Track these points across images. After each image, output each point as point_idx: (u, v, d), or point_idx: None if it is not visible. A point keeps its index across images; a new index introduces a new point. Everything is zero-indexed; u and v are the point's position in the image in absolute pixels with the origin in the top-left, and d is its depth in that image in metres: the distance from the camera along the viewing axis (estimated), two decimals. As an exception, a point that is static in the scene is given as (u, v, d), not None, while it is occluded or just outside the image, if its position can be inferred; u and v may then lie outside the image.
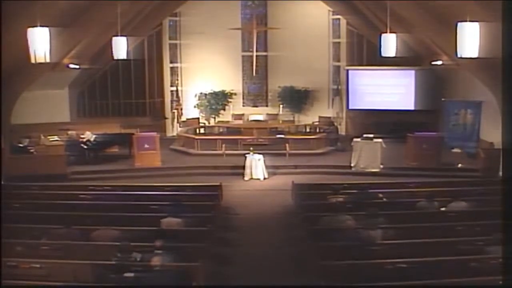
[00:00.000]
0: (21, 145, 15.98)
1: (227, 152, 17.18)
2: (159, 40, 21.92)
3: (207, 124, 21.88)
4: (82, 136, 17.09)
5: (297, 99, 21.73)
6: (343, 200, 10.67)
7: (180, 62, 22.44)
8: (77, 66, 17.92)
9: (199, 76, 22.15)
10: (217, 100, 21.86)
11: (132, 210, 10.47)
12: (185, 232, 9.17)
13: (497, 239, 7.51)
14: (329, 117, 21.16)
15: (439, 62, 17.39)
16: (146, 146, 16.41)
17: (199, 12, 21.56)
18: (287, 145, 17.31)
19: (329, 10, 21.54)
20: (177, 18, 22.08)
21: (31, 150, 15.93)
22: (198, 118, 22.02)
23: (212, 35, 21.44)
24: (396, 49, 14.03)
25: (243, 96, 22.74)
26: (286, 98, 21.82)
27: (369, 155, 15.77)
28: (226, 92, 22.01)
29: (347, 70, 20.72)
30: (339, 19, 21.52)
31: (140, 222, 9.41)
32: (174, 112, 22.00)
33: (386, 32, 14.02)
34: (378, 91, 20.26)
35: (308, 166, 16.37)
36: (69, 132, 17.72)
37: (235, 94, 22.25)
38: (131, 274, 7.06)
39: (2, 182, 12.85)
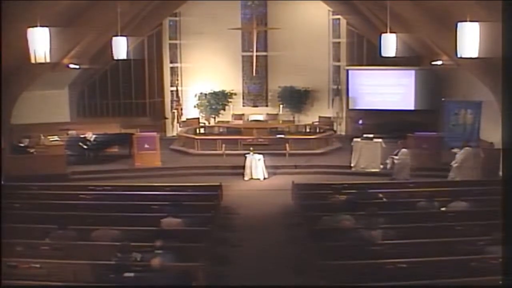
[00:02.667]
0: (21, 145, 15.97)
1: (227, 152, 17.17)
2: (159, 40, 21.93)
3: (207, 124, 21.86)
4: (82, 136, 17.09)
5: (297, 99, 21.71)
6: (343, 200, 10.67)
7: (180, 62, 22.43)
8: (77, 66, 17.91)
9: (199, 76, 22.14)
10: (217, 100, 21.85)
11: (132, 210, 10.46)
12: (185, 232, 9.17)
13: (497, 239, 7.50)
14: (329, 117, 21.18)
15: (439, 62, 17.37)
16: (146, 146, 16.41)
17: (199, 12, 21.56)
18: (287, 145, 17.30)
19: (329, 10, 21.53)
20: (177, 18, 22.07)
21: (31, 150, 15.92)
22: (198, 118, 22.01)
23: (212, 35, 21.44)
24: (396, 49, 14.03)
25: (243, 96, 22.73)
26: (286, 98, 21.80)
27: (369, 155, 15.77)
28: (226, 92, 21.99)
29: (347, 70, 20.74)
30: (339, 19, 21.52)
31: (140, 222, 9.41)
32: (174, 112, 21.99)
33: (386, 32, 14.03)
34: (378, 91, 20.28)
35: (308, 166, 16.38)
36: (69, 132, 17.74)
37: (235, 94, 22.23)
38: (131, 274, 7.07)
39: (2, 182, 12.83)
